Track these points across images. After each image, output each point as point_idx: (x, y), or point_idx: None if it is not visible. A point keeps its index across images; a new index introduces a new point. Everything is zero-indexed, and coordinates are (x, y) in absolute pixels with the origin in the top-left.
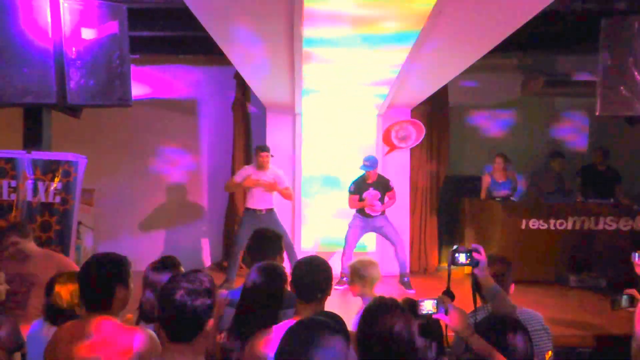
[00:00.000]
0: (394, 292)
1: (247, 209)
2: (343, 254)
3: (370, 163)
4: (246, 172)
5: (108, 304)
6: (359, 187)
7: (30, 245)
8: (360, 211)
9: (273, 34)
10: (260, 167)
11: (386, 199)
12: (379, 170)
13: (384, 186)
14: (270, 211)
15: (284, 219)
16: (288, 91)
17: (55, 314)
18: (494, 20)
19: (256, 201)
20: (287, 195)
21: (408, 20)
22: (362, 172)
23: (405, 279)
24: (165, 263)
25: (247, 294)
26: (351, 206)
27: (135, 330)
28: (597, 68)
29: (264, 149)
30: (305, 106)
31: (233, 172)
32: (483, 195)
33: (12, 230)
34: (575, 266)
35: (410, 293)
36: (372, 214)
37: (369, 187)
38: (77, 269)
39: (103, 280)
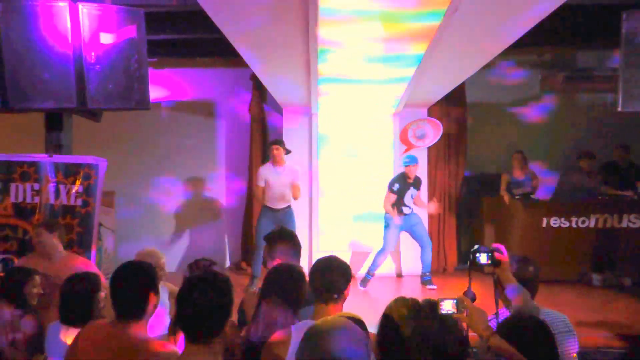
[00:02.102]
0: (415, 291)
1: (265, 206)
2: (381, 253)
3: (410, 159)
4: (263, 171)
5: (142, 312)
6: (401, 189)
7: (55, 243)
8: (399, 210)
9: (288, 35)
10: (274, 161)
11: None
12: (394, 168)
13: (419, 185)
14: (286, 208)
15: (301, 219)
16: (304, 91)
17: (70, 315)
18: (512, 16)
19: (274, 201)
20: (294, 193)
21: (425, 17)
22: (403, 169)
23: (426, 277)
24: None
25: (266, 292)
26: (386, 205)
27: (162, 342)
28: (618, 63)
29: (275, 142)
30: (321, 106)
31: (250, 172)
32: (504, 193)
33: (41, 224)
34: (599, 265)
35: (431, 288)
36: (407, 213)
37: (410, 187)
38: (98, 271)
39: (138, 289)
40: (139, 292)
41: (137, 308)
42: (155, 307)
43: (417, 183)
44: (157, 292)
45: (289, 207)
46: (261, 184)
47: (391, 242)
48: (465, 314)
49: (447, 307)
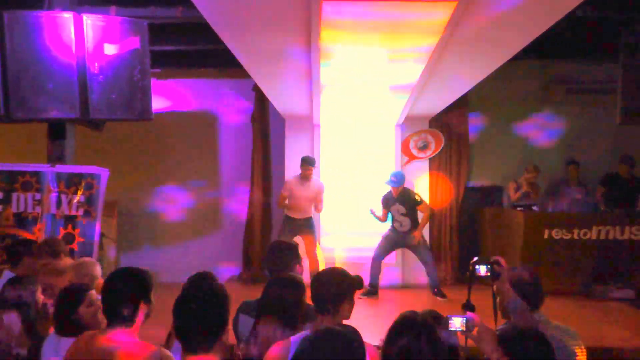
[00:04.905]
0: (418, 302)
1: (286, 217)
2: (371, 263)
3: (397, 179)
4: (290, 182)
5: (131, 319)
6: (386, 202)
7: (63, 262)
8: (394, 225)
9: (290, 47)
10: (305, 178)
11: (420, 214)
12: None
13: (409, 200)
14: (305, 219)
15: None
16: (306, 102)
17: (64, 324)
18: (513, 28)
19: (294, 211)
20: (317, 206)
21: (426, 30)
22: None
23: (436, 290)
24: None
25: (265, 305)
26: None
27: (153, 348)
28: (617, 76)
29: (311, 162)
30: (323, 117)
31: (252, 184)
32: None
33: (44, 252)
34: (601, 277)
35: (442, 299)
36: (403, 230)
37: (395, 202)
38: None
39: (128, 297)
40: (130, 300)
41: (127, 316)
42: (148, 316)
43: (402, 199)
44: (148, 300)
45: (308, 217)
46: (286, 193)
47: (379, 252)
48: (474, 332)
49: (456, 324)
